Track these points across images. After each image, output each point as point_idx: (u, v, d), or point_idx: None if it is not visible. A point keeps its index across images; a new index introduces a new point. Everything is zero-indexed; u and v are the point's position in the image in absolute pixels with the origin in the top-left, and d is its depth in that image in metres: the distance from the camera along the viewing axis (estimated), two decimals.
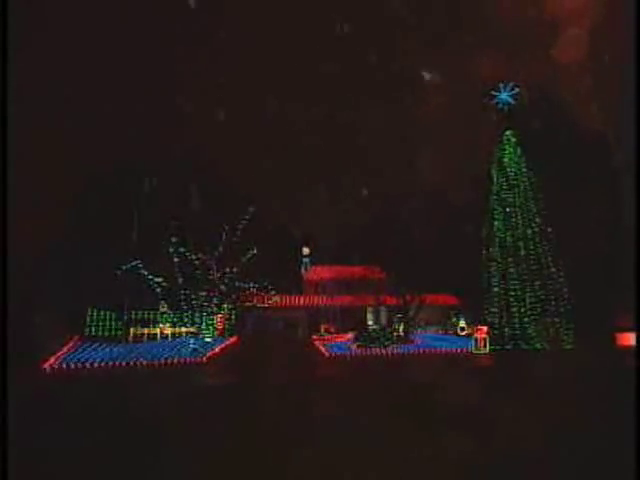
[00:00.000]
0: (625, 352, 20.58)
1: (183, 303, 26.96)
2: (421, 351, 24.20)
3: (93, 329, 27.40)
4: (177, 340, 25.20)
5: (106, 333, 27.17)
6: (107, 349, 20.27)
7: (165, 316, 27.93)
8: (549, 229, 26.67)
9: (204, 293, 27.54)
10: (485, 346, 23.50)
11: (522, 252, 26.19)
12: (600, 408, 8.55)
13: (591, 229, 35.54)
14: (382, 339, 25.21)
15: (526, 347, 24.74)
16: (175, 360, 20.11)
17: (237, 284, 29.05)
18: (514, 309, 25.69)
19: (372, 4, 71.39)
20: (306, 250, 42.33)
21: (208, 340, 25.55)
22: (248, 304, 31.55)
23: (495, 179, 28.14)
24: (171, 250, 26.85)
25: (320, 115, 76.16)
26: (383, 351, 23.68)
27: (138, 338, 26.62)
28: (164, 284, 26.80)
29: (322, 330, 34.12)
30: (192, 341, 23.46)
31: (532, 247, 26.22)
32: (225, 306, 29.24)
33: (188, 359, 20.47)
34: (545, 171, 29.14)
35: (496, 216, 27.43)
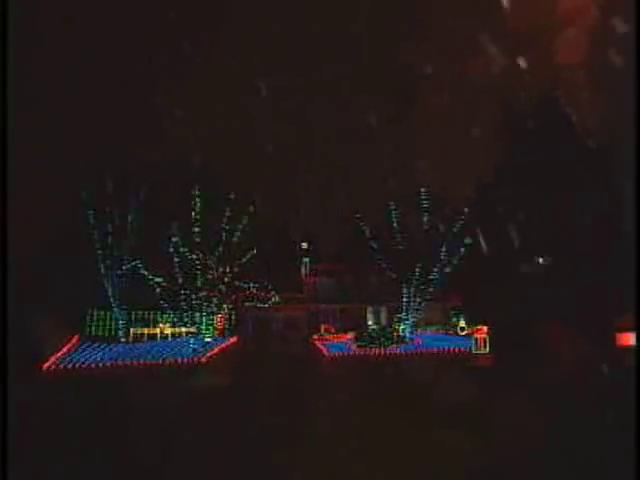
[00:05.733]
0: (625, 352, 20.55)
1: (183, 303, 26.94)
2: (421, 351, 24.19)
3: (93, 329, 27.44)
4: (177, 340, 25.22)
5: (106, 333, 27.19)
6: (107, 349, 20.31)
7: (165, 316, 27.92)
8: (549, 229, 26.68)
9: (204, 293, 27.53)
10: (485, 346, 23.49)
11: None
12: (600, 408, 8.55)
13: (591, 229, 35.53)
14: (382, 339, 25.19)
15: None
16: (175, 360, 20.11)
17: (237, 284, 29.03)
18: None
19: (369, 3, 71.48)
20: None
21: (208, 340, 25.53)
22: (248, 304, 31.55)
23: (495, 177, 28.16)
24: (171, 250, 26.82)
25: (320, 115, 76.26)
26: (383, 351, 23.66)
27: (138, 338, 26.62)
28: (164, 284, 26.77)
29: (322, 330, 34.03)
30: (192, 341, 23.47)
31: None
32: (225, 306, 29.22)
33: (188, 359, 20.46)
34: (544, 171, 29.11)
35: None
